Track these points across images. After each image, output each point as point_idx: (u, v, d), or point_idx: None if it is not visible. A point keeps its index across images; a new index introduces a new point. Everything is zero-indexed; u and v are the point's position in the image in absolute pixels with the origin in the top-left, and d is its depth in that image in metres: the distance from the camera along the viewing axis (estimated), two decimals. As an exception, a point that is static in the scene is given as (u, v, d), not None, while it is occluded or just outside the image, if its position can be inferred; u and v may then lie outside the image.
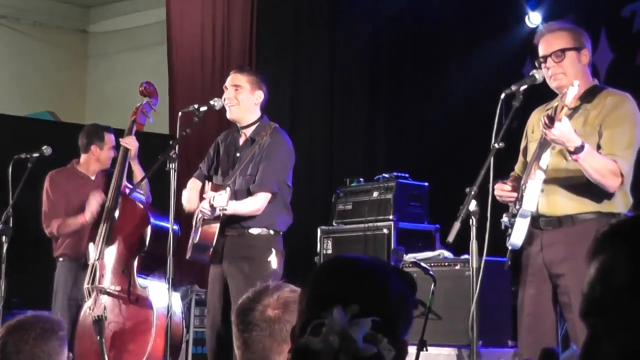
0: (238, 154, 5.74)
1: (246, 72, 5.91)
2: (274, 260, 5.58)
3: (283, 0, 9.66)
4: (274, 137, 5.73)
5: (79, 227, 6.62)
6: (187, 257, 5.76)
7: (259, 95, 5.76)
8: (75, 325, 6.43)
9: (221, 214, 5.46)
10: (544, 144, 4.45)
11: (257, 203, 5.57)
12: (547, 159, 4.47)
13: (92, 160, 6.91)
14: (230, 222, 5.60)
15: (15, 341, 3.25)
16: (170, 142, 5.55)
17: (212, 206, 5.30)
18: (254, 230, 5.60)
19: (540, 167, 4.47)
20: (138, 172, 6.54)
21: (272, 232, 5.64)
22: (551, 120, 4.21)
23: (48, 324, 3.29)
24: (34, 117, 11.14)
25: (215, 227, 5.58)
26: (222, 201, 5.25)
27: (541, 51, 4.64)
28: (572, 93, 4.20)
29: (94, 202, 6.52)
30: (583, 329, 4.55)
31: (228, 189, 5.37)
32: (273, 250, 5.60)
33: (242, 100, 5.72)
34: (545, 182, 4.51)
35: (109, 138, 6.91)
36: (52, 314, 3.51)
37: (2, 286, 6.33)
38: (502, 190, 4.62)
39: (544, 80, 4.63)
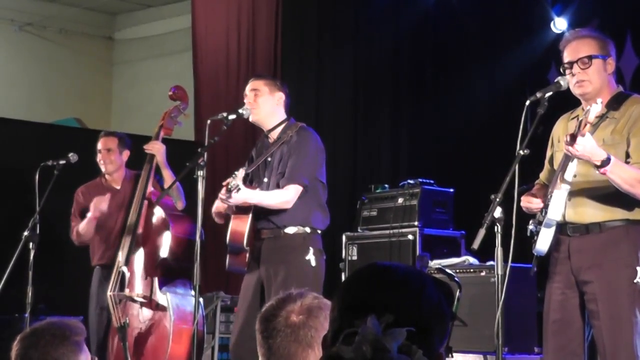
0: (270, 159, 5.73)
1: (263, 77, 5.92)
2: (312, 259, 5.50)
3: (307, 8, 9.68)
4: (301, 134, 5.71)
5: (92, 228, 6.68)
6: (227, 269, 5.74)
7: (280, 97, 5.74)
8: (108, 332, 6.49)
9: (251, 208, 5.44)
10: (569, 155, 4.43)
11: (286, 195, 5.51)
12: (573, 169, 4.45)
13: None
14: (263, 219, 5.55)
15: (25, 348, 3.27)
16: (199, 150, 5.54)
17: (228, 190, 5.28)
18: (290, 230, 5.54)
19: (566, 178, 4.45)
20: (168, 178, 6.54)
21: (308, 229, 5.56)
22: (573, 138, 4.19)
23: (59, 330, 3.28)
24: (60, 123, 11.20)
25: (244, 225, 5.53)
26: (236, 181, 5.23)
27: (567, 57, 4.61)
28: (594, 110, 4.16)
29: (98, 204, 6.59)
30: (609, 336, 4.50)
31: (242, 169, 5.34)
32: (310, 248, 5.52)
33: (262, 103, 5.71)
34: (573, 192, 4.48)
35: (99, 143, 6.93)
36: (69, 320, 3.48)
37: (29, 292, 6.36)
38: (530, 203, 4.60)
39: (569, 87, 4.61)
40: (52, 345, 3.24)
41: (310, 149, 5.67)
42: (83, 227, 6.72)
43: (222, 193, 5.37)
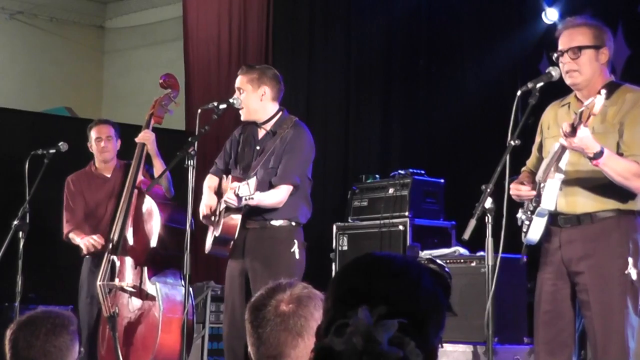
0: (258, 147, 5.73)
1: (246, 71, 5.81)
2: (297, 252, 5.58)
3: (299, -3, 9.68)
4: (296, 130, 5.72)
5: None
6: (207, 252, 5.75)
7: (264, 91, 5.70)
8: (99, 322, 6.47)
9: (244, 206, 5.45)
10: (565, 145, 4.40)
11: (279, 195, 5.56)
12: (567, 159, 4.43)
13: (96, 158, 6.91)
14: (252, 214, 5.58)
15: (26, 337, 3.27)
16: (189, 139, 5.53)
17: (237, 196, 5.28)
18: (276, 222, 5.60)
19: (560, 167, 4.43)
20: (159, 167, 6.52)
21: (293, 223, 5.64)
22: (574, 129, 4.16)
23: (58, 319, 3.31)
24: (51, 112, 11.18)
25: (237, 219, 5.57)
26: (248, 190, 5.23)
27: (560, 45, 4.59)
28: (599, 102, 4.12)
29: (84, 242, 6.56)
30: (601, 327, 4.48)
31: (254, 178, 5.35)
32: (295, 241, 5.59)
33: (247, 104, 5.71)
34: (565, 182, 4.47)
35: (92, 132, 6.87)
36: (62, 310, 3.51)
37: (19, 281, 6.35)
38: (519, 191, 4.59)
39: (561, 77, 4.60)
40: (54, 334, 3.26)
41: (305, 148, 5.71)
42: (74, 241, 6.68)
43: (230, 198, 5.37)
